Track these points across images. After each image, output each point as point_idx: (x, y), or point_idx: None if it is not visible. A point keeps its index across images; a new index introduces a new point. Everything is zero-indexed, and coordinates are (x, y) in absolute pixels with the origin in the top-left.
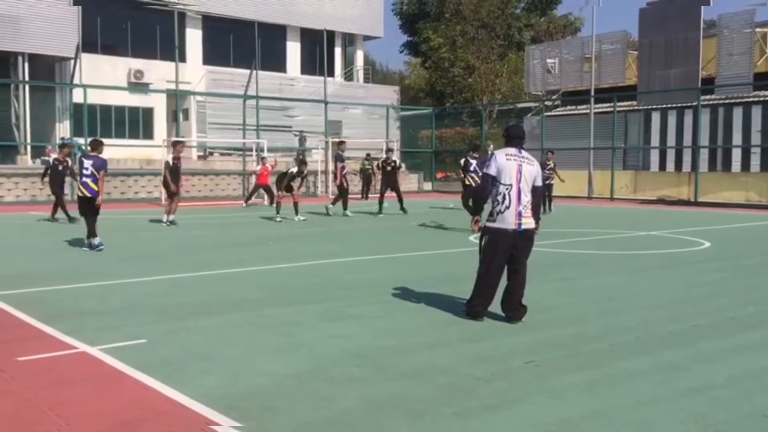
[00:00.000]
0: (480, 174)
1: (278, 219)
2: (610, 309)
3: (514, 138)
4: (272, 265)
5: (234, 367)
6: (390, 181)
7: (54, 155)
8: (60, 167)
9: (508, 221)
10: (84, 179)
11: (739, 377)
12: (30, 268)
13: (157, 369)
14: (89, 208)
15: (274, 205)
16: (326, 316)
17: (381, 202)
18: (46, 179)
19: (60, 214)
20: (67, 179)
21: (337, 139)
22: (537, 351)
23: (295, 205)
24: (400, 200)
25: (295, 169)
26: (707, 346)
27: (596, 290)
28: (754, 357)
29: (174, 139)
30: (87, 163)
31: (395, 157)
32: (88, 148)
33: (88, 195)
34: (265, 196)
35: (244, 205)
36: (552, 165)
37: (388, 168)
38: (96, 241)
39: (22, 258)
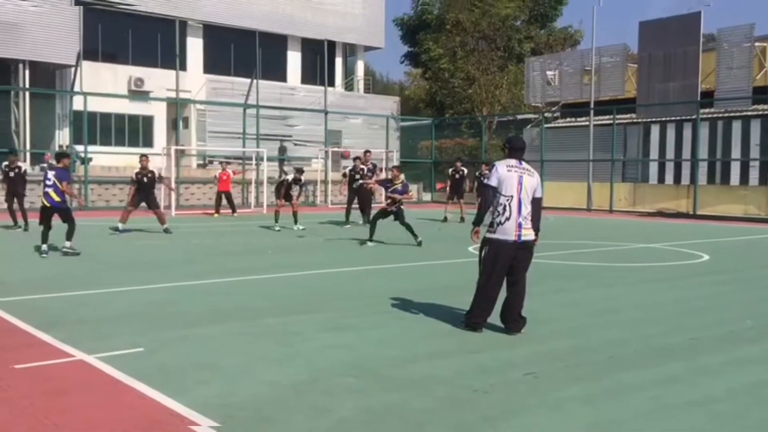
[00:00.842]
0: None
1: (277, 228)
2: (610, 321)
3: (515, 150)
4: (271, 275)
5: (232, 377)
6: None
7: (20, 164)
8: (12, 174)
9: (508, 232)
10: (46, 189)
11: (738, 391)
12: (27, 276)
13: (155, 378)
14: (50, 218)
15: (235, 215)
16: (325, 326)
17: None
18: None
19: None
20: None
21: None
22: (536, 363)
23: (295, 214)
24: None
25: (290, 177)
26: (706, 359)
27: (595, 302)
28: (752, 370)
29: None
30: (50, 174)
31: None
32: (53, 161)
33: (48, 205)
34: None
35: (215, 215)
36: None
37: (457, 176)
38: (44, 247)
39: (20, 265)
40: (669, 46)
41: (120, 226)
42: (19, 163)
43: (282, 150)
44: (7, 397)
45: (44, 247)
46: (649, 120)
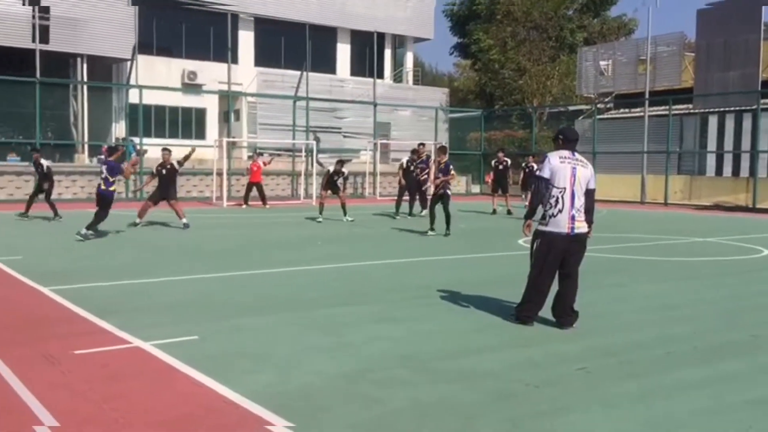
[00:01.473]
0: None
1: (319, 220)
2: (665, 317)
3: (569, 141)
4: (321, 266)
5: (284, 366)
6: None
7: (43, 161)
8: (38, 170)
9: (561, 225)
10: (100, 180)
11: None
12: (87, 264)
13: (208, 366)
14: (100, 203)
15: (267, 206)
16: (374, 317)
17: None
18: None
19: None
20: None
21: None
22: (589, 358)
23: (343, 205)
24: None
25: (332, 168)
26: (767, 357)
27: (650, 297)
28: None
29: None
30: (103, 168)
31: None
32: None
33: (96, 191)
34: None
35: (244, 206)
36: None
37: (500, 167)
38: (83, 231)
39: (79, 254)
40: (728, 34)
41: (137, 220)
42: (43, 161)
43: (317, 140)
44: (67, 382)
45: (83, 231)
46: (706, 110)
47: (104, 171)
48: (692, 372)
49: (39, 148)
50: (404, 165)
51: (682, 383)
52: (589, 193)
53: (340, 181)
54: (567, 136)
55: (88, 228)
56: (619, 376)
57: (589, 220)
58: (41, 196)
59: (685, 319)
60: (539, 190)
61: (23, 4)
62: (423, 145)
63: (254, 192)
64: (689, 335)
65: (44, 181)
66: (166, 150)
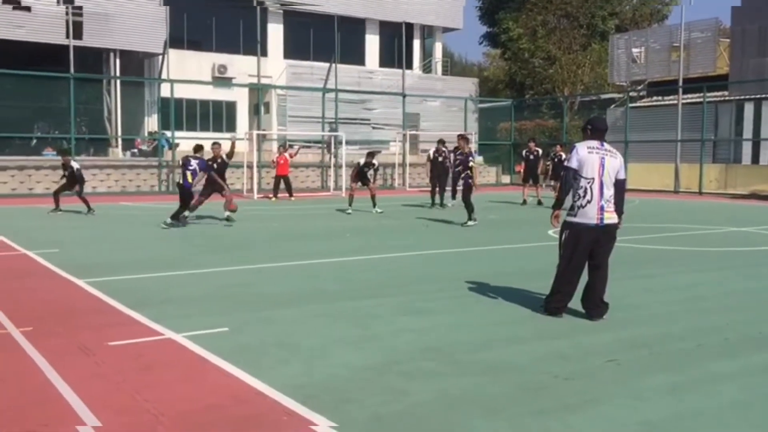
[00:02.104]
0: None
1: (348, 211)
2: (698, 308)
3: (597, 130)
4: (349, 257)
5: (311, 358)
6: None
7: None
8: (66, 172)
9: (589, 216)
10: (186, 171)
11: None
12: (121, 257)
13: (238, 357)
14: (181, 197)
15: (293, 198)
16: (401, 309)
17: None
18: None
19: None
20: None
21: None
22: (619, 350)
23: (372, 197)
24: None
25: (362, 161)
26: None
27: (683, 288)
28: None
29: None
30: (193, 162)
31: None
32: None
33: (180, 183)
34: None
35: (273, 199)
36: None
37: (531, 157)
38: (168, 221)
39: (114, 247)
40: (764, 19)
41: (187, 213)
42: (73, 163)
43: (333, 130)
44: (101, 372)
45: (168, 220)
46: (742, 97)
47: (195, 166)
48: (723, 364)
49: (68, 149)
50: (431, 156)
51: (713, 376)
52: (619, 184)
53: (370, 172)
54: (595, 126)
55: (172, 218)
56: (649, 368)
57: (619, 211)
58: (66, 192)
59: (716, 310)
60: (567, 180)
61: (57, 4)
62: (443, 142)
63: (283, 184)
64: (721, 327)
65: (74, 183)
66: (216, 144)
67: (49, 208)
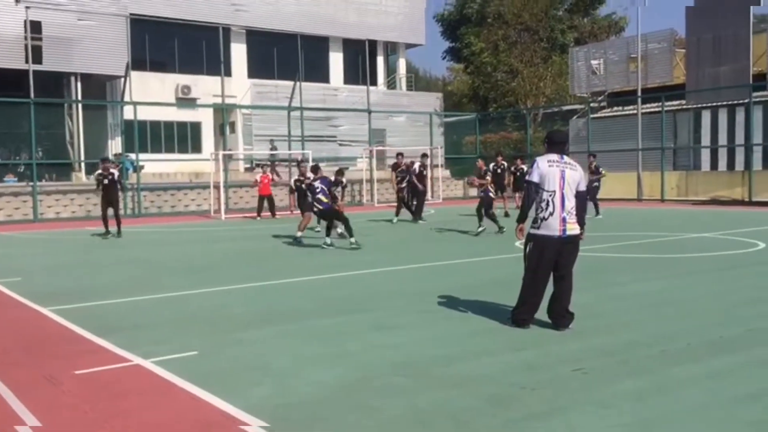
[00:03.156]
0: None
1: (317, 229)
2: (661, 314)
3: (555, 144)
4: (319, 276)
5: (283, 378)
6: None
7: (113, 170)
8: (106, 181)
9: (552, 227)
10: (318, 196)
11: None
12: (86, 283)
13: (209, 380)
14: (327, 216)
15: (276, 217)
16: (373, 325)
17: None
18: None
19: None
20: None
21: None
22: (585, 358)
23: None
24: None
25: (331, 178)
26: (762, 351)
27: (646, 295)
28: None
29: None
30: (317, 183)
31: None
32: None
33: (321, 208)
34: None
35: (258, 218)
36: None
37: (499, 171)
38: (328, 240)
39: (79, 273)
40: (718, 29)
41: (299, 234)
42: (113, 170)
43: (273, 148)
44: (69, 403)
45: (328, 240)
46: (699, 106)
47: (320, 186)
48: (687, 369)
49: (109, 158)
50: (416, 170)
51: (678, 380)
52: (580, 195)
53: (338, 190)
54: (553, 140)
55: (351, 234)
56: (615, 375)
57: (581, 222)
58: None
59: (680, 316)
60: (530, 194)
61: (16, 4)
62: (402, 155)
63: (266, 204)
64: (684, 332)
65: (115, 194)
66: (303, 162)
67: (10, 234)
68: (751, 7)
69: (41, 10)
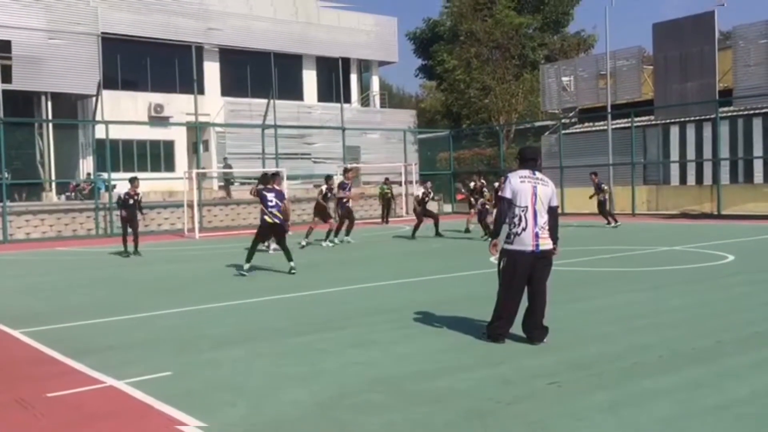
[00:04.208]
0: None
1: (302, 244)
2: (633, 327)
3: (527, 160)
4: (295, 293)
5: (258, 397)
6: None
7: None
8: (131, 201)
9: (525, 243)
10: (271, 210)
11: (763, 393)
12: (58, 304)
13: (183, 401)
14: (279, 233)
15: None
16: (349, 342)
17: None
18: (123, 213)
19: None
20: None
21: (348, 166)
22: (559, 372)
23: (330, 231)
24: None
25: (323, 188)
26: (731, 362)
27: (619, 308)
28: None
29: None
30: (270, 195)
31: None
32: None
33: (276, 222)
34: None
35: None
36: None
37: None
38: (247, 266)
39: (50, 294)
40: (684, 46)
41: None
42: (139, 190)
43: (227, 166)
44: (41, 426)
45: (247, 266)
46: (668, 121)
47: (273, 199)
48: (659, 380)
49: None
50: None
51: (650, 392)
52: (552, 211)
53: (346, 192)
54: (524, 156)
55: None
56: (589, 388)
57: (554, 237)
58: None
59: (652, 328)
60: (502, 209)
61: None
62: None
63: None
64: (656, 344)
65: (135, 217)
66: (331, 177)
67: None
68: (716, 23)
69: (11, 29)
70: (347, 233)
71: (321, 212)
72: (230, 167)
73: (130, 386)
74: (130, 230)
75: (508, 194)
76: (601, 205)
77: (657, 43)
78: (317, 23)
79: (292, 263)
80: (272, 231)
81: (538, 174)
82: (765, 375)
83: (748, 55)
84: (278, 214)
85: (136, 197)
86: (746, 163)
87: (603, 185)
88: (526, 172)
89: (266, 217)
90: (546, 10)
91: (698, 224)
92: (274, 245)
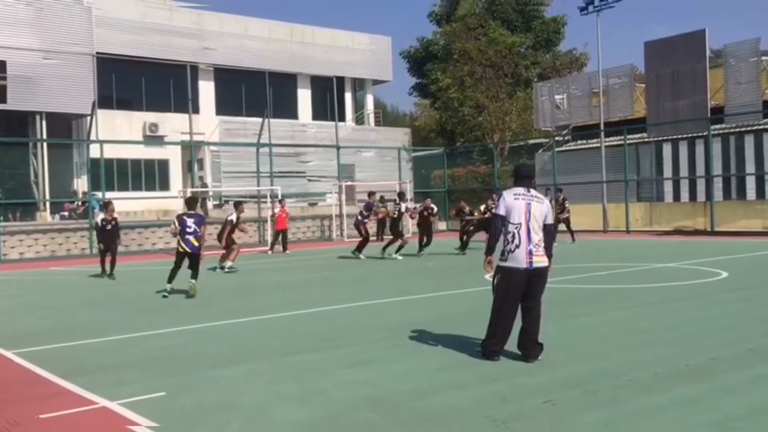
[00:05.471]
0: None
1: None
2: (628, 344)
3: (522, 178)
4: (290, 312)
5: (253, 417)
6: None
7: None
8: (109, 227)
9: (519, 260)
10: (187, 236)
11: (759, 410)
12: (51, 325)
13: (176, 422)
14: (193, 261)
15: (288, 252)
16: (344, 361)
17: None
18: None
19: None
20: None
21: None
22: (554, 389)
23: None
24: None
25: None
26: (726, 378)
27: (614, 325)
28: None
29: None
30: (189, 221)
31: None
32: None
33: (189, 250)
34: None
35: (270, 252)
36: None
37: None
38: (169, 287)
39: (44, 314)
40: (676, 64)
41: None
42: (116, 215)
43: (203, 185)
44: None
45: (169, 287)
46: (660, 138)
47: (192, 225)
48: (654, 398)
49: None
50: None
51: (645, 409)
52: (547, 228)
53: (378, 208)
54: (519, 173)
55: (195, 278)
56: (584, 405)
57: (549, 255)
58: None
59: (646, 345)
60: (496, 226)
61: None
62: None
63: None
64: (650, 361)
65: (114, 239)
66: (404, 194)
67: None
68: (707, 41)
69: (5, 50)
70: (359, 250)
71: (394, 229)
72: (206, 186)
73: (123, 407)
74: (108, 253)
75: (501, 211)
76: (567, 222)
77: (649, 62)
78: (312, 42)
79: (192, 282)
80: (186, 257)
81: (533, 191)
82: (760, 391)
83: (739, 72)
84: (193, 241)
85: (113, 222)
86: (739, 180)
87: (567, 203)
88: (521, 190)
89: (179, 245)
90: (536, 29)
91: (692, 241)
92: (229, 263)
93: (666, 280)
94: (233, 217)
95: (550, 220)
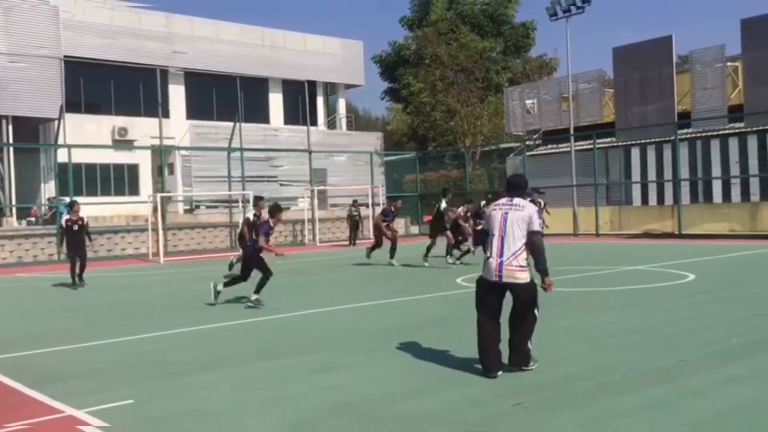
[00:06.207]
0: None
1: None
2: (598, 347)
3: (513, 188)
4: (261, 318)
5: (222, 424)
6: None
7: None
8: (75, 227)
9: (490, 271)
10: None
11: (725, 412)
12: (18, 332)
13: (145, 429)
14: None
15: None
16: (315, 367)
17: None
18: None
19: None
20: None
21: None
22: (525, 393)
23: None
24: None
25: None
26: (693, 380)
27: (583, 328)
28: (738, 389)
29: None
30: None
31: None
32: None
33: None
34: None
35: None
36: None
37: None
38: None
39: (10, 322)
40: (643, 69)
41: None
42: (82, 214)
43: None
44: None
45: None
46: (628, 143)
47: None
48: (624, 400)
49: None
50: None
51: (615, 412)
52: (532, 237)
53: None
54: (508, 184)
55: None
56: (555, 408)
57: (540, 268)
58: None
59: (615, 348)
60: (481, 239)
61: None
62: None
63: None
64: (620, 364)
65: (82, 243)
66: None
67: None
68: (673, 47)
69: None
70: (369, 252)
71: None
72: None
73: (90, 415)
74: (77, 258)
75: (485, 221)
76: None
77: (617, 67)
78: (283, 47)
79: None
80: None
81: (516, 200)
82: (727, 393)
83: (705, 78)
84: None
85: (80, 222)
86: (705, 184)
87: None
88: (503, 200)
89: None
90: (506, 34)
91: (660, 244)
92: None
93: (634, 283)
94: (250, 215)
95: (536, 227)
